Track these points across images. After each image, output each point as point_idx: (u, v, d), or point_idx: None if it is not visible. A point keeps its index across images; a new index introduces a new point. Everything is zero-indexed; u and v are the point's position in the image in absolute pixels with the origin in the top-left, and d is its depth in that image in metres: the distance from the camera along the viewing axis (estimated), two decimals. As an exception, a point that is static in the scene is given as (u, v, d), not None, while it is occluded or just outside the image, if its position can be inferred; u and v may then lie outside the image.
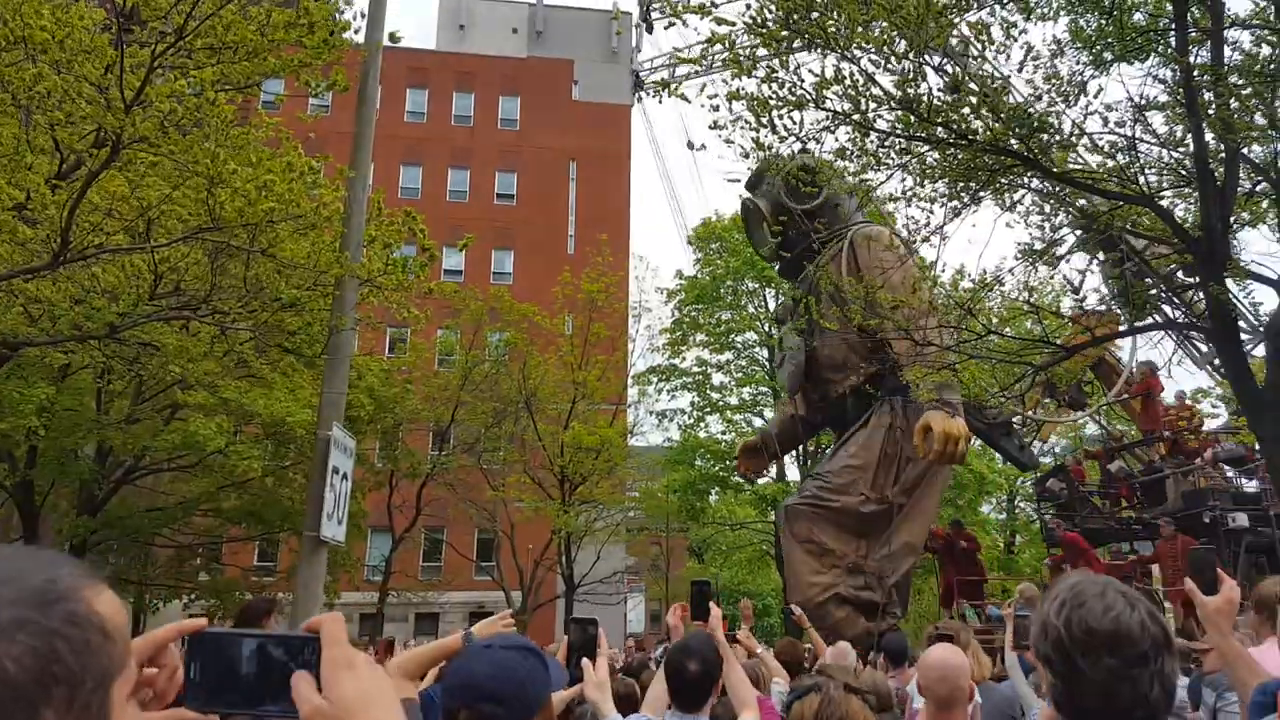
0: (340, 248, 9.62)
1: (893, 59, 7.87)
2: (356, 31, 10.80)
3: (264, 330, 11.17)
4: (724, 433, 30.87)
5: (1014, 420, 14.40)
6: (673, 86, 9.20)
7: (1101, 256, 15.12)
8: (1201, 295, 16.19)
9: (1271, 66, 7.64)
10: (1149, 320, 12.13)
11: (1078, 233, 13.39)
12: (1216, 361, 17.17)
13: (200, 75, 8.47)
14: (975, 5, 8.12)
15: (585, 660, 2.76)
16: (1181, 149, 8.17)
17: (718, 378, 33.08)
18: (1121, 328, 11.82)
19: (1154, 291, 12.57)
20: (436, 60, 44.21)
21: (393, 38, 10.18)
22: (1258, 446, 14.09)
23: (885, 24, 7.76)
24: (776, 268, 11.64)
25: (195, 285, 9.96)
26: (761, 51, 8.59)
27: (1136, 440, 18.05)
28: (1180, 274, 13.79)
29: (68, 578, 0.74)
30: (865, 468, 10.06)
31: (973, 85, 7.72)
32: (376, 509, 25.19)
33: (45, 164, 8.58)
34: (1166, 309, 14.53)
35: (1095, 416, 18.01)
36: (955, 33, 8.14)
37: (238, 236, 9.37)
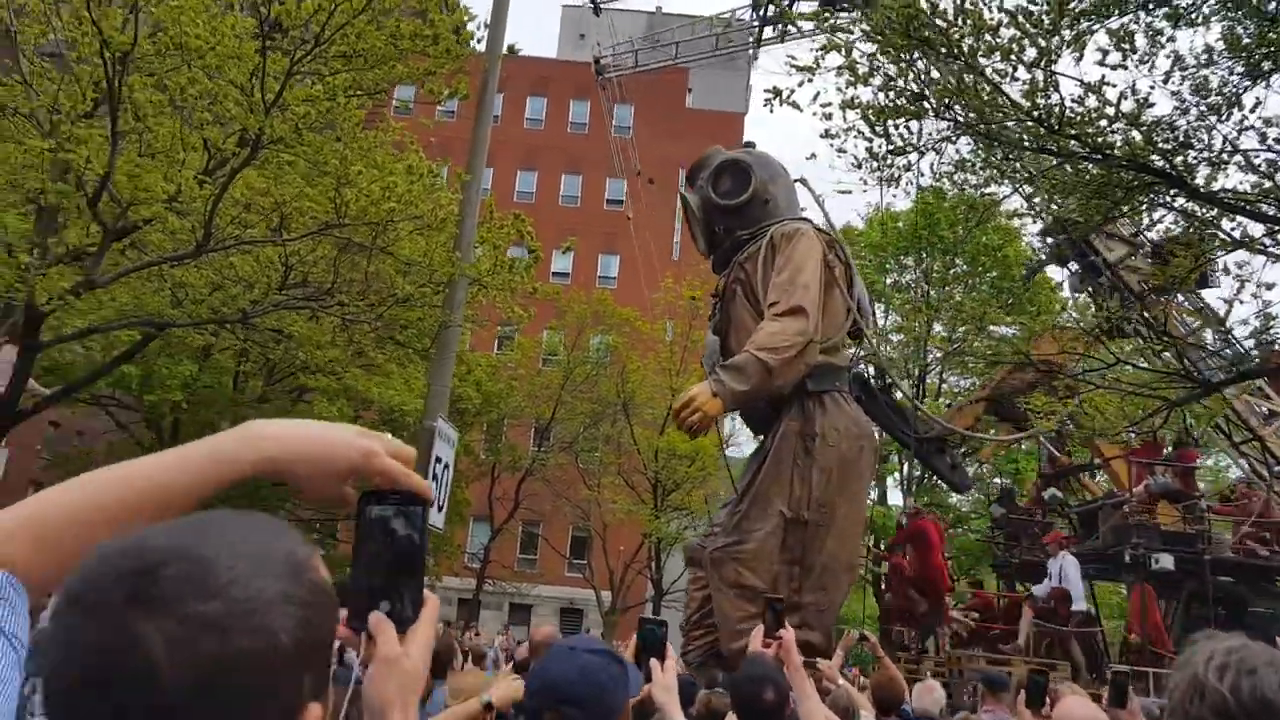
0: (453, 248, 9.93)
1: (1020, 68, 7.58)
2: (479, 41, 11.17)
3: (382, 324, 11.65)
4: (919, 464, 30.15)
5: (946, 437, 13.28)
6: (785, 94, 9.07)
7: (1073, 267, 13.83)
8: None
9: None
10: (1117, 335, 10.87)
11: (1048, 240, 12.17)
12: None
13: (333, 81, 8.93)
14: (1117, 11, 7.73)
15: (654, 661, 2.72)
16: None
17: (819, 391, 32.39)
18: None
19: (1124, 307, 11.23)
20: (556, 69, 45.07)
21: (511, 50, 10.47)
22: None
23: (1013, 31, 7.48)
24: (710, 261, 10.91)
25: (321, 278, 10.46)
26: (880, 59, 8.38)
27: (1078, 465, 16.48)
28: (1144, 284, 12.39)
29: (300, 548, 0.80)
30: (779, 482, 9.01)
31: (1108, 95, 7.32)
32: (479, 499, 25.86)
33: (195, 160, 9.19)
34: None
35: (1042, 438, 16.71)
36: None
37: (361, 234, 9.81)
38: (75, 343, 10.58)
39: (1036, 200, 7.99)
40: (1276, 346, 8.28)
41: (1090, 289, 11.59)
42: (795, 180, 10.64)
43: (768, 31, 22.45)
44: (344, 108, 9.48)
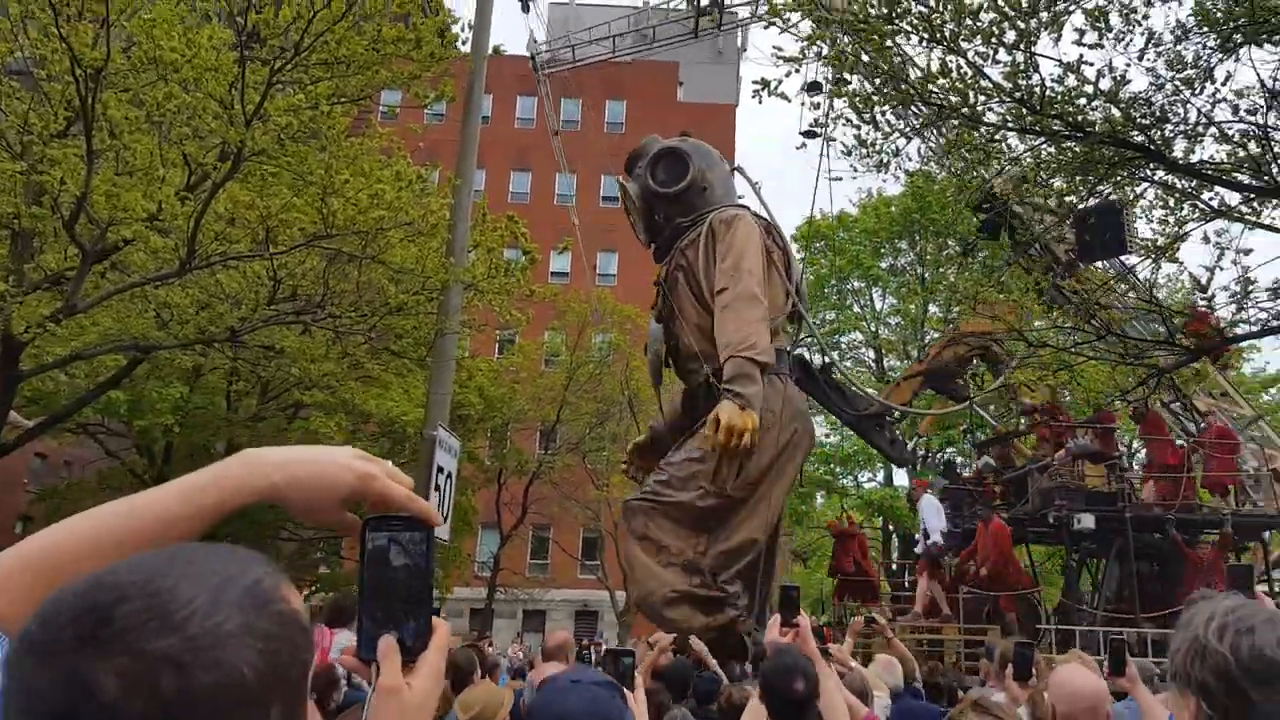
0: (446, 253, 9.88)
1: (1001, 50, 7.54)
2: (464, 43, 11.12)
3: (375, 334, 11.60)
4: (828, 435, 30.37)
5: (886, 413, 13.62)
6: (773, 85, 9.05)
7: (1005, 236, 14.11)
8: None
9: None
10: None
11: (978, 215, 12.44)
12: None
13: (315, 89, 8.89)
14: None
15: (626, 692, 2.74)
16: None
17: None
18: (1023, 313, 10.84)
19: (1048, 273, 11.32)
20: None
21: (496, 50, 10.40)
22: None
23: (993, 15, 7.44)
24: (651, 250, 10.96)
25: (311, 290, 10.43)
26: (863, 47, 8.36)
27: (1005, 434, 16.96)
28: (1071, 254, 12.51)
29: (267, 577, 0.78)
30: (706, 460, 9.15)
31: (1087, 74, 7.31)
32: (486, 506, 25.85)
33: (176, 177, 9.16)
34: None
35: (978, 408, 16.95)
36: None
37: (350, 243, 9.77)
38: (58, 371, 10.54)
39: (970, 176, 8.05)
40: (1200, 308, 8.43)
41: (1021, 261, 11.78)
42: (732, 169, 10.76)
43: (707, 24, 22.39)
44: (327, 116, 9.43)
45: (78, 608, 0.70)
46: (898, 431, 15.08)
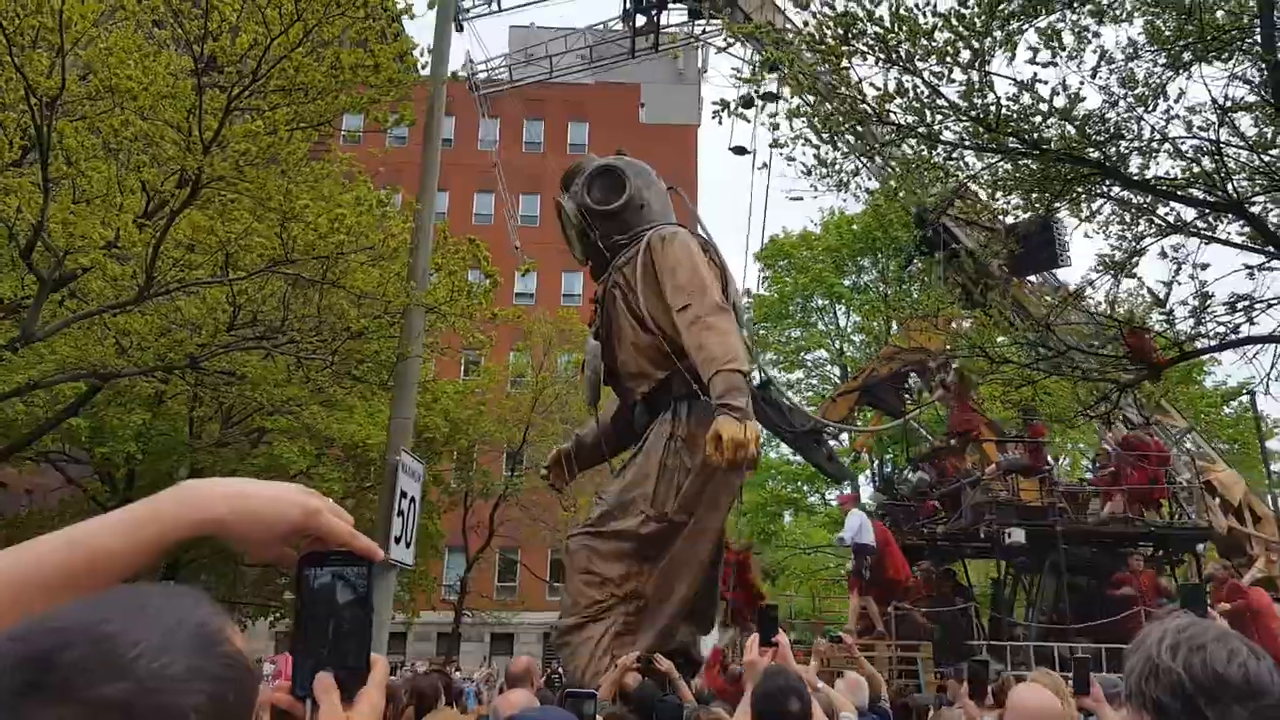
0: (407, 277, 9.82)
1: (956, 70, 7.70)
2: (424, 67, 11.09)
3: (338, 358, 11.48)
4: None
5: (824, 429, 13.96)
6: (732, 106, 9.15)
7: (939, 257, 14.25)
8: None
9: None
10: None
11: (915, 232, 12.78)
12: None
13: (274, 115, 8.81)
14: (1044, 10, 7.88)
15: None
16: (1273, 152, 7.75)
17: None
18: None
19: (990, 292, 11.59)
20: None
21: (454, 77, 10.38)
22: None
23: (947, 35, 7.59)
24: (589, 267, 10.99)
25: (271, 315, 10.30)
26: (821, 69, 8.49)
27: (940, 447, 17.19)
28: (1005, 268, 12.86)
29: (212, 618, 0.77)
30: (645, 483, 9.16)
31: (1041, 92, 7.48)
32: (452, 529, 25.57)
33: (134, 204, 9.00)
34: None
35: (915, 423, 17.41)
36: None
37: (311, 268, 9.66)
38: (17, 399, 10.30)
39: (902, 194, 8.25)
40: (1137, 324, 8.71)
41: (957, 277, 12.01)
42: (668, 189, 10.88)
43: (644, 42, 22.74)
44: (286, 142, 9.34)
45: (20, 654, 0.69)
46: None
